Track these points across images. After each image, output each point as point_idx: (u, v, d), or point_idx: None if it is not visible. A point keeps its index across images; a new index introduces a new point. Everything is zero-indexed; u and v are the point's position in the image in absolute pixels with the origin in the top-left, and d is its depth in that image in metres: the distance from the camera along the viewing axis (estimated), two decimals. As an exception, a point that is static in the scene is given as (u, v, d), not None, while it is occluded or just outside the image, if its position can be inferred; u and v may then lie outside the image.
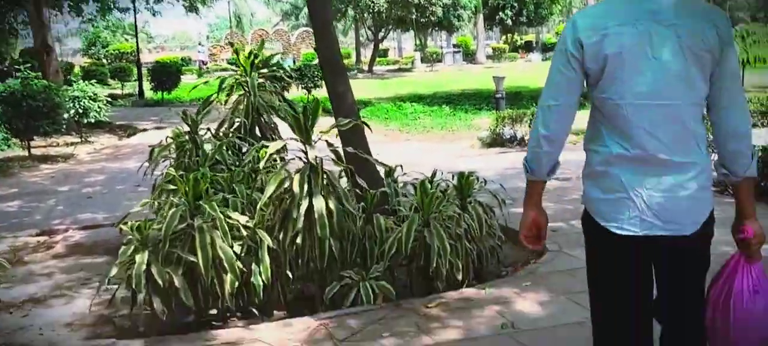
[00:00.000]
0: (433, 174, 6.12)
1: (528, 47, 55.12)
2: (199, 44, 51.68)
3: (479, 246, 5.11)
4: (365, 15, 38.45)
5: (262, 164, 4.94)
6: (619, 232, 2.19)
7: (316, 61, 10.76)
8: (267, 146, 5.02)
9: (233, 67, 7.03)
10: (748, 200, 2.30)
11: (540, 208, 2.40)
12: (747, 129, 2.25)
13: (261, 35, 52.50)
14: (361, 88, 29.24)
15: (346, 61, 46.10)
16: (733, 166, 2.26)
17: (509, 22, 47.82)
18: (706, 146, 2.22)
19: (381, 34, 41.05)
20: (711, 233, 2.28)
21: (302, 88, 20.03)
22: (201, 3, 26.10)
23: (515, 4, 46.85)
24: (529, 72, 35.80)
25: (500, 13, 47.32)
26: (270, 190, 4.42)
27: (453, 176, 5.47)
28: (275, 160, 5.23)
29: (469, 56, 47.09)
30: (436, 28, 49.54)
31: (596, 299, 2.42)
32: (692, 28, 2.12)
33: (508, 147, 12.28)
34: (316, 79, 19.37)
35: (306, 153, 4.58)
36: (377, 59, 52.85)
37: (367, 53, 45.24)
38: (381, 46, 57.28)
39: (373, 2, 35.43)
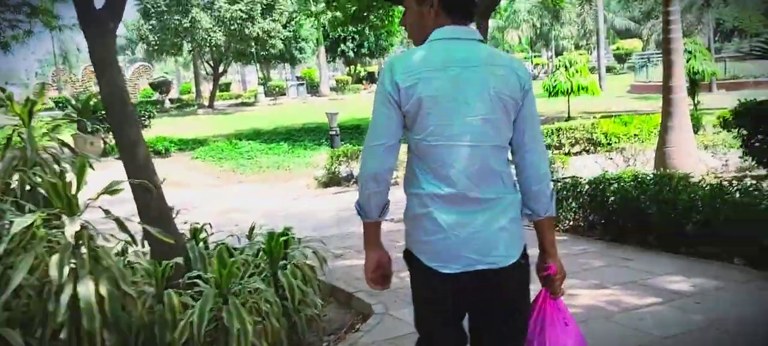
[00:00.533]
0: (252, 229, 5.44)
1: (371, 78, 55.77)
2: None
3: (294, 317, 4.45)
4: (203, 49, 37.00)
5: (1, 248, 3.76)
6: (443, 270, 2.28)
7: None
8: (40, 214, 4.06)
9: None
10: (550, 238, 2.47)
11: (381, 249, 2.46)
12: (547, 170, 2.41)
13: (92, 71, 49.44)
14: (198, 125, 27.94)
15: (185, 97, 44.23)
16: (535, 206, 2.39)
17: (351, 53, 48.14)
18: (513, 184, 2.37)
19: (221, 68, 39.68)
20: (528, 265, 2.40)
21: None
22: (13, 39, 23.54)
23: (356, 37, 47.24)
24: (371, 104, 36.03)
25: (342, 46, 47.52)
26: (17, 279, 3.50)
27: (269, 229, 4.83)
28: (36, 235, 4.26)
29: (314, 89, 46.75)
30: (279, 61, 48.98)
31: (421, 335, 2.50)
32: (498, 76, 2.28)
33: (344, 186, 11.82)
34: (146, 118, 18.05)
35: (66, 227, 3.71)
36: (219, 94, 51.33)
37: (208, 88, 43.64)
38: (223, 80, 55.83)
39: (209, 35, 34.12)
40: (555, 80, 15.54)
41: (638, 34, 59.93)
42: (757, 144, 9.02)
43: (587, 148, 13.96)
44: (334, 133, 15.12)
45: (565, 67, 15.48)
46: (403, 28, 2.49)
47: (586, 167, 9.64)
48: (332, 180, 12.08)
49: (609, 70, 46.22)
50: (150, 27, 34.88)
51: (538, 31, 58.80)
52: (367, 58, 54.11)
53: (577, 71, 15.30)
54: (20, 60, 46.79)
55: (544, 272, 2.47)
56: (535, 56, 64.61)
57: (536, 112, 2.40)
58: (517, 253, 2.34)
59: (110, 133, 17.96)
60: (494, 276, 2.29)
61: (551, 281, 2.46)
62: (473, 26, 2.44)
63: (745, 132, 9.18)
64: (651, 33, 55.12)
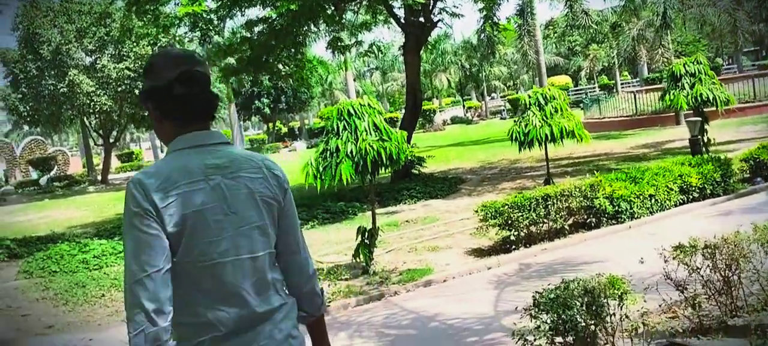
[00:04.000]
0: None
1: (292, 135, 51.16)
2: None
3: None
4: (88, 116, 31.57)
5: None
6: None
7: None
8: None
9: None
10: (325, 337, 2.40)
11: None
12: (314, 269, 2.35)
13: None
14: (72, 209, 22.85)
15: (80, 172, 38.40)
16: (309, 306, 2.32)
17: (267, 110, 43.50)
18: (284, 289, 2.24)
19: (113, 136, 34.16)
20: None
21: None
22: None
23: (272, 92, 42.73)
24: (294, 162, 31.45)
25: (256, 102, 42.88)
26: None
27: None
28: None
29: (227, 151, 41.69)
30: (188, 124, 43.83)
31: None
32: (258, 179, 2.16)
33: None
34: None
35: None
36: (120, 165, 45.55)
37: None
38: (123, 150, 50.18)
39: (92, 100, 28.81)
40: (526, 124, 10.99)
41: (566, 69, 57.66)
42: None
43: (587, 220, 9.51)
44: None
45: (539, 105, 10.99)
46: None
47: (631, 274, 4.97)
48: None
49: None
50: (20, 96, 29.29)
51: (468, 72, 55.54)
52: (287, 114, 49.57)
53: (556, 110, 10.85)
54: None
55: None
56: (465, 100, 61.36)
57: (296, 211, 2.29)
58: None
59: None
60: None
61: None
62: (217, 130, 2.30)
63: None
64: (581, 69, 52.83)
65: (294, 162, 31.24)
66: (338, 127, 8.37)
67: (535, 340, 4.25)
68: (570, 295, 4.31)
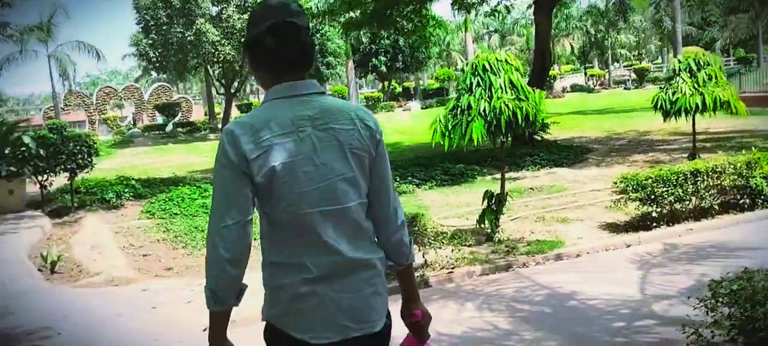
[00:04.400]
0: None
1: (407, 95, 50.80)
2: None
3: None
4: (212, 65, 32.41)
5: None
6: (316, 342, 2.10)
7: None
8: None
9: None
10: (413, 285, 2.40)
11: (227, 341, 2.18)
12: (403, 219, 2.34)
13: (108, 92, 45.60)
14: (192, 154, 23.49)
15: (202, 119, 39.78)
16: (397, 256, 2.33)
17: (384, 68, 43.24)
18: (375, 241, 2.26)
19: (234, 87, 34.94)
20: (390, 324, 2.26)
21: (65, 169, 13.48)
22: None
23: (390, 50, 42.37)
24: (407, 122, 31.14)
25: (374, 60, 42.69)
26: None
27: None
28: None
29: (342, 108, 41.80)
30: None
31: None
32: (349, 130, 2.15)
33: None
34: (86, 155, 13.12)
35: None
36: (237, 115, 46.89)
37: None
38: (243, 100, 51.50)
39: (217, 49, 29.47)
40: (675, 92, 9.96)
41: (697, 40, 53.77)
42: None
43: (740, 201, 8.53)
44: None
45: (690, 71, 9.94)
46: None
47: None
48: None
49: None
50: (150, 42, 30.37)
51: (592, 39, 52.99)
52: (402, 73, 49.18)
53: (710, 77, 9.76)
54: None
55: (410, 318, 2.38)
56: (587, 67, 58.81)
57: (388, 164, 2.28)
58: (385, 312, 2.22)
59: (44, 174, 13.21)
60: (368, 341, 2.16)
61: (418, 326, 2.38)
62: (313, 80, 2.21)
63: None
64: (715, 40, 49.16)
65: (408, 122, 31.02)
66: (472, 84, 7.81)
67: (712, 337, 3.62)
68: (758, 288, 3.63)
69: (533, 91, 7.92)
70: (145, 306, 6.54)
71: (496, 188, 8.47)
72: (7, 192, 12.65)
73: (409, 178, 13.25)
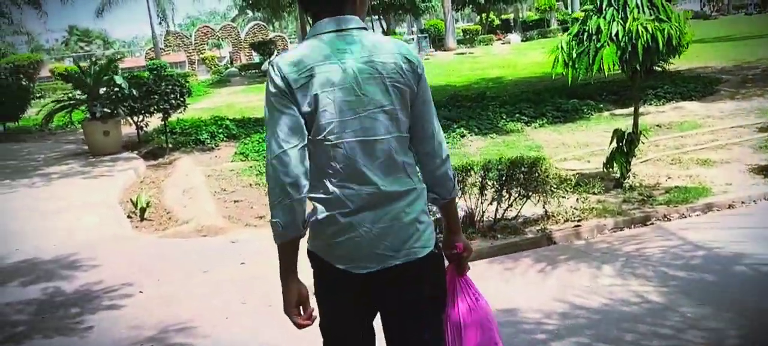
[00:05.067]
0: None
1: (505, 27, 48.68)
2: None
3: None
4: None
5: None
6: (357, 271, 2.18)
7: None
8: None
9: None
10: (455, 219, 2.45)
11: (297, 277, 2.22)
12: (447, 153, 2.36)
13: (206, 32, 46.01)
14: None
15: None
16: (441, 190, 2.35)
17: (481, 0, 41.34)
18: (416, 173, 2.29)
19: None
20: (441, 256, 2.34)
21: (158, 110, 13.06)
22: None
23: (488, -22, 40.44)
24: (508, 56, 29.60)
25: (471, -10, 40.88)
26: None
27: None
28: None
29: (439, 42, 40.36)
30: (400, 12, 43.03)
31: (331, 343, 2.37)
32: (392, 64, 2.18)
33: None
34: (179, 95, 12.69)
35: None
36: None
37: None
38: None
39: (310, -16, 28.70)
40: None
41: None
42: None
43: None
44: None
45: None
46: None
47: None
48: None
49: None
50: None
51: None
52: (501, 4, 46.99)
53: None
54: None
55: (452, 250, 2.44)
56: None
57: (430, 98, 2.30)
58: (431, 243, 2.27)
59: (139, 114, 12.93)
60: (409, 270, 2.21)
61: (459, 258, 2.44)
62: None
63: None
64: None
65: (509, 56, 29.43)
66: (601, 3, 6.63)
67: None
68: None
69: (676, 10, 6.66)
70: (234, 261, 5.91)
71: (616, 126, 7.32)
72: (103, 133, 12.44)
73: (517, 115, 12.12)
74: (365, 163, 2.13)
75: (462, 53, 34.11)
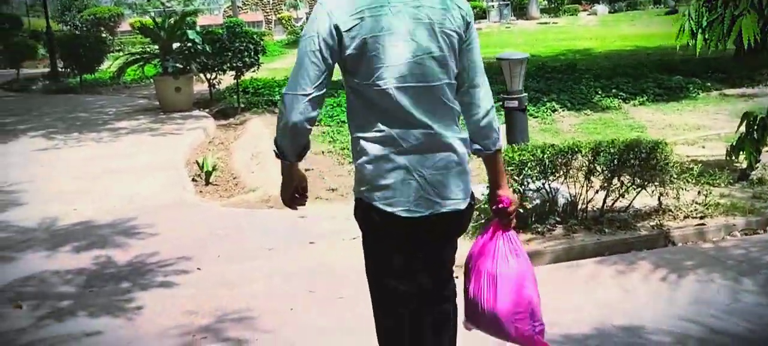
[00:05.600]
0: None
1: (592, -3, 46.48)
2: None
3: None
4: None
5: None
6: (406, 215, 2.18)
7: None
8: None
9: None
10: (500, 172, 2.43)
11: (300, 173, 2.40)
12: (493, 104, 2.35)
13: (284, -7, 45.79)
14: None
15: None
16: (485, 141, 2.34)
17: (569, -35, 39.42)
18: (460, 121, 2.30)
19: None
20: (473, 207, 2.37)
21: (231, 68, 12.53)
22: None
23: (577, -56, 38.42)
24: (595, 27, 28.08)
25: (558, -45, 38.98)
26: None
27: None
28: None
29: (521, 10, 38.77)
30: (482, -22, 41.55)
31: (381, 292, 2.35)
32: (441, 10, 2.19)
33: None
34: (253, 53, 12.18)
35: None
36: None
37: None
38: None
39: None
40: None
41: None
42: None
43: None
44: (514, 102, 6.84)
45: None
46: None
47: None
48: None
49: None
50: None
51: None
52: (589, -27, 44.78)
53: None
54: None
55: (496, 204, 2.41)
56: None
57: (478, 47, 2.32)
58: (469, 194, 2.30)
59: (212, 72, 12.45)
60: (452, 218, 2.24)
61: (504, 213, 2.41)
62: None
63: None
64: None
65: (596, 27, 27.87)
66: (742, -37, 5.63)
67: None
68: None
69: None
70: (302, 240, 5.30)
71: (727, 107, 6.32)
72: (174, 89, 12.06)
73: (614, 90, 11.04)
74: (416, 107, 2.15)
75: (545, 23, 32.57)
